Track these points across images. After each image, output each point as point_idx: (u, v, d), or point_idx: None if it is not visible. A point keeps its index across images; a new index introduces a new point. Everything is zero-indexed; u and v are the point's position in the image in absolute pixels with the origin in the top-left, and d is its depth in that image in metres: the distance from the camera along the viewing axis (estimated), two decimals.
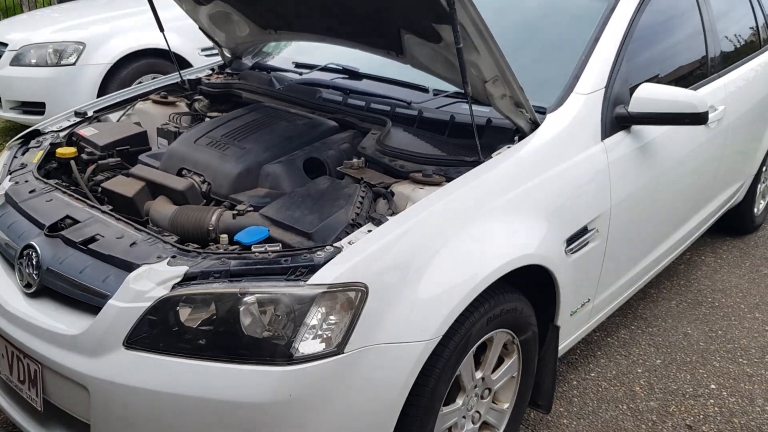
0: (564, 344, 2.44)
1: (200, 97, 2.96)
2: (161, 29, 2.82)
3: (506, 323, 2.02)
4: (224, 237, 1.89)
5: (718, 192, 3.45)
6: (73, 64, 4.94)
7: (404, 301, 1.71)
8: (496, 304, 1.93)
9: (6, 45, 5.07)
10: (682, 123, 2.45)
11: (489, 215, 1.95)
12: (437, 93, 2.53)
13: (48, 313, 1.85)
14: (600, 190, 2.34)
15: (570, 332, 2.46)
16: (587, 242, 2.30)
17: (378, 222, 1.81)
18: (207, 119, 2.77)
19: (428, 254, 1.78)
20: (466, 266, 1.81)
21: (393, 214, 1.94)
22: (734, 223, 4.16)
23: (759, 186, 4.14)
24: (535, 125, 2.24)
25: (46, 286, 1.87)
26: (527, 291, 2.15)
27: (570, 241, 2.21)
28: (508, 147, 2.17)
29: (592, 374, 2.83)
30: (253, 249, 1.78)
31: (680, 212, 3.05)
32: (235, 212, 1.99)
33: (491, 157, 2.11)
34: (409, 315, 1.71)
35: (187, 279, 1.69)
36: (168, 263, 1.73)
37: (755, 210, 4.19)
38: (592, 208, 2.31)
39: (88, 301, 1.77)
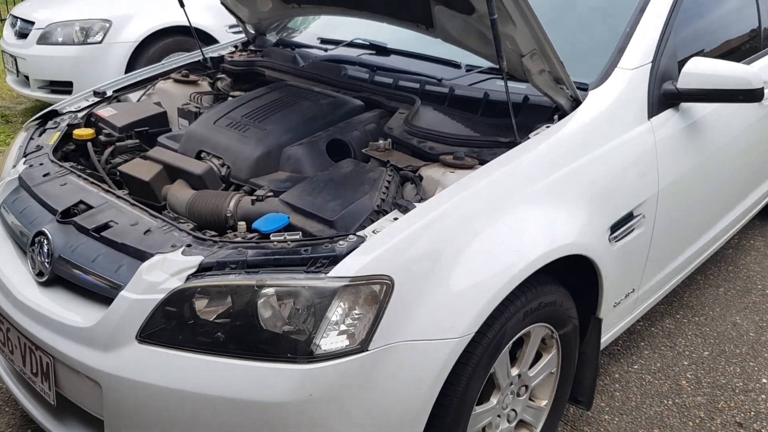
0: (606, 337, 2.29)
1: (223, 75, 2.84)
2: (182, 4, 2.71)
3: (544, 317, 1.88)
4: (242, 224, 1.78)
5: None
6: (100, 42, 4.88)
7: (433, 295, 1.58)
8: (533, 297, 1.79)
9: (33, 23, 5.02)
10: (734, 100, 2.26)
11: (526, 201, 1.80)
12: (470, 69, 2.37)
13: (60, 303, 1.76)
14: (646, 173, 2.17)
15: (613, 324, 2.31)
16: (632, 229, 2.14)
17: (405, 209, 1.68)
18: (229, 98, 2.67)
19: (459, 244, 1.64)
20: (501, 257, 1.67)
21: (421, 200, 1.81)
22: None
23: None
24: (576, 103, 2.08)
25: (59, 275, 1.79)
26: (567, 281, 2.01)
27: (614, 228, 2.05)
28: (547, 127, 2.01)
29: (635, 366, 2.68)
30: (272, 237, 1.67)
31: (731, 195, 2.86)
32: (254, 198, 1.87)
33: (528, 138, 1.95)
34: (438, 310, 1.58)
35: (203, 269, 1.59)
36: (182, 253, 1.63)
37: None
38: (638, 192, 2.15)
39: (101, 292, 1.69)
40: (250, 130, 2.16)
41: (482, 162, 1.92)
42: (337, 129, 2.18)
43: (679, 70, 2.32)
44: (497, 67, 2.25)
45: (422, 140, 2.05)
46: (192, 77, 2.77)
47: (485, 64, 2.31)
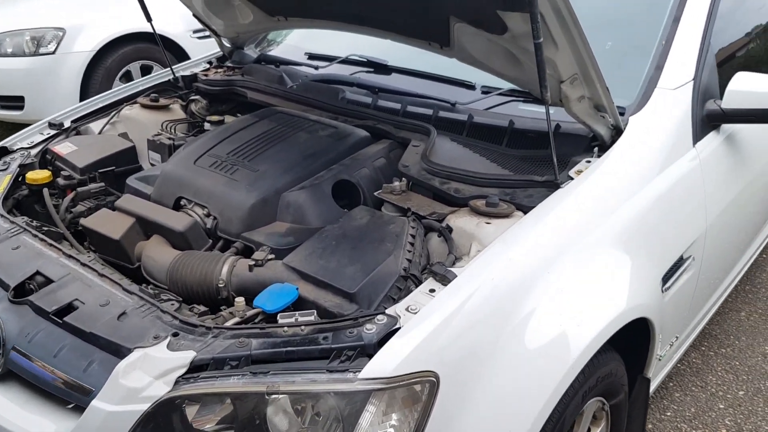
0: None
1: (197, 97, 2.50)
2: (148, 18, 2.35)
3: (601, 391, 1.60)
4: (240, 301, 1.45)
5: None
6: (53, 52, 4.44)
7: (486, 391, 1.29)
8: (591, 372, 1.51)
9: None
10: None
11: (579, 259, 1.51)
12: (487, 91, 2.07)
13: (19, 405, 1.42)
14: (695, 209, 1.91)
15: (654, 378, 2.04)
16: (682, 274, 1.87)
17: (443, 278, 1.37)
18: (207, 125, 2.33)
19: (514, 323, 1.35)
20: (562, 335, 1.39)
21: (455, 260, 1.51)
22: None
23: None
24: (617, 132, 1.80)
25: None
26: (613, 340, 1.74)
27: (666, 277, 1.78)
28: (587, 162, 1.73)
29: (668, 413, 2.42)
30: (280, 319, 1.35)
31: (764, 214, 2.62)
32: (251, 263, 1.55)
33: (571, 178, 1.67)
34: (493, 410, 1.28)
35: (195, 368, 1.27)
36: (168, 346, 1.30)
37: None
38: (688, 232, 1.88)
39: (67, 398, 1.35)
40: (239, 171, 1.82)
41: (519, 207, 1.63)
42: (342, 167, 1.86)
43: (720, 86, 2.07)
44: (519, 89, 1.98)
45: (445, 180, 1.75)
46: (162, 101, 2.42)
47: (504, 84, 2.01)
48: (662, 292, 1.76)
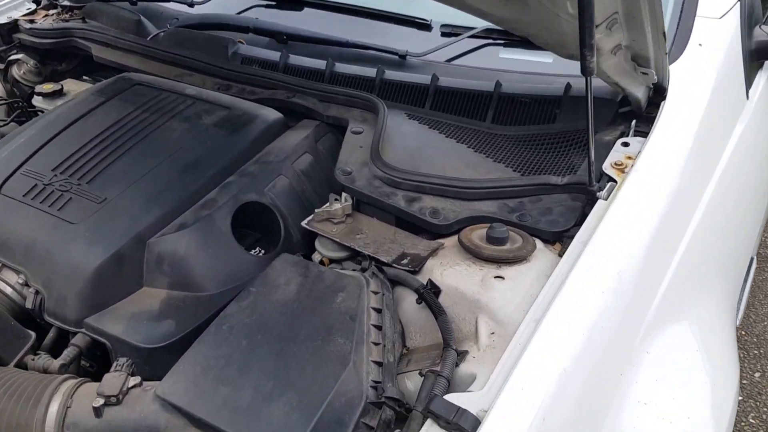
0: None
1: (20, 56, 1.70)
2: None
3: None
4: None
5: None
6: None
7: None
8: None
9: None
10: None
11: (655, 331, 0.92)
12: (450, 33, 1.40)
13: None
14: (760, 190, 1.36)
15: None
16: (745, 289, 1.34)
17: (453, 428, 0.75)
18: (37, 100, 1.57)
19: None
20: None
21: (459, 355, 0.89)
22: None
23: None
24: (658, 93, 1.19)
25: None
26: None
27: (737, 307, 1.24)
28: (624, 145, 1.12)
29: None
30: None
31: None
32: (99, 401, 0.86)
33: (608, 177, 1.06)
34: None
35: None
36: None
37: None
38: (754, 228, 1.33)
39: None
40: (72, 201, 1.10)
41: (535, 233, 1.02)
42: (245, 179, 1.16)
43: (764, 5, 1.49)
44: (497, 27, 1.33)
45: (413, 195, 1.10)
46: None
47: (473, 20, 1.34)
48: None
